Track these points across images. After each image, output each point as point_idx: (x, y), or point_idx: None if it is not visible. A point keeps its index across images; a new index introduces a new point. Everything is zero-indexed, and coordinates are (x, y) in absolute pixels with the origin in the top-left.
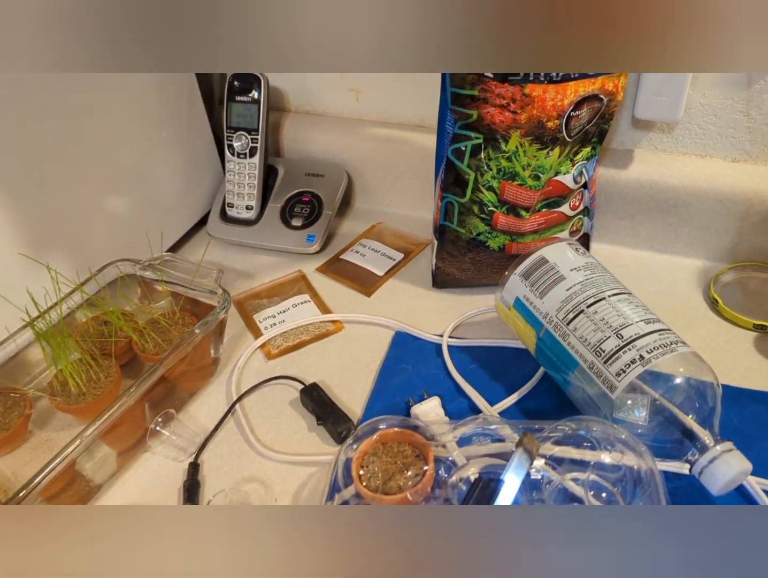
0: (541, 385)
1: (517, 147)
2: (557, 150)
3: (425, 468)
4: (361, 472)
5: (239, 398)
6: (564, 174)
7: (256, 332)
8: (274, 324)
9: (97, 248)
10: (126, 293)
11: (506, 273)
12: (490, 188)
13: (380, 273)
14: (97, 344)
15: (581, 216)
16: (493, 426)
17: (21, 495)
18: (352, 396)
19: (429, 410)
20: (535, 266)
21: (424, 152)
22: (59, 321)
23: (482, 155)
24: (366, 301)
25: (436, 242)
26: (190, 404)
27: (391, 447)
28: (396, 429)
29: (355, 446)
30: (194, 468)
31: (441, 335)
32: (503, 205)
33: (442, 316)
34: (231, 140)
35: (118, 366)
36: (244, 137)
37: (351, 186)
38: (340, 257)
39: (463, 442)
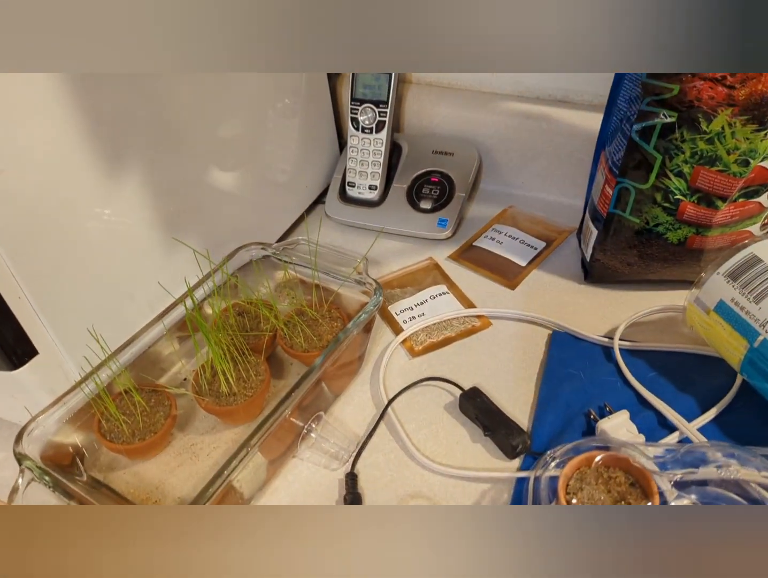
0: (739, 399)
1: (723, 128)
2: None
3: (649, 500)
4: (573, 501)
5: (391, 401)
6: None
7: (394, 326)
8: (413, 317)
9: (211, 231)
10: (257, 281)
11: (703, 274)
12: (680, 174)
13: (523, 263)
14: (244, 339)
15: None
16: (703, 452)
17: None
18: (515, 403)
19: (618, 425)
20: (746, 265)
21: (569, 130)
22: (214, 308)
23: (675, 135)
24: (510, 294)
25: (594, 231)
26: (334, 405)
27: (599, 472)
28: (604, 452)
29: (554, 467)
30: (352, 478)
31: (608, 337)
32: (694, 193)
33: (601, 314)
34: (356, 114)
35: (267, 363)
36: (370, 110)
37: (479, 166)
38: (474, 243)
39: (665, 466)
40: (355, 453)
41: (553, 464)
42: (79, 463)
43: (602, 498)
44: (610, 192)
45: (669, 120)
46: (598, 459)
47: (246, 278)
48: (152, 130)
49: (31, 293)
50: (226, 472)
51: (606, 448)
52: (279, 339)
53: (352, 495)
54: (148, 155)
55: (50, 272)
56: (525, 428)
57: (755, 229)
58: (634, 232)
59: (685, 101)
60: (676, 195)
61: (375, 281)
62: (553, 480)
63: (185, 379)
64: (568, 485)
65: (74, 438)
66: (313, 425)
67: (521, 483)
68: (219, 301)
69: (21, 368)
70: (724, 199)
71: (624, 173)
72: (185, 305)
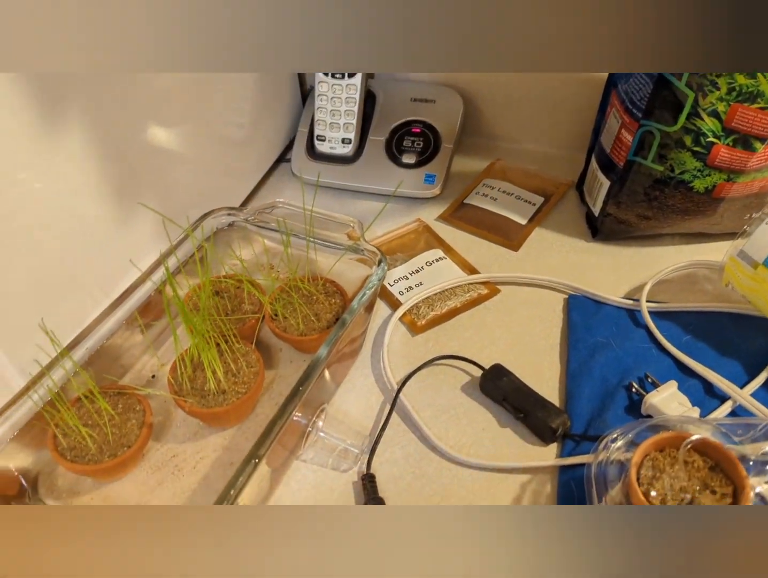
0: None
1: None
2: None
3: (735, 485)
4: (653, 493)
5: (401, 386)
6: None
7: (390, 298)
8: (410, 288)
9: (165, 197)
10: (226, 253)
11: (747, 226)
12: (714, 113)
13: (523, 222)
14: (228, 322)
15: None
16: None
17: None
18: (540, 379)
19: (668, 399)
20: None
21: (558, 73)
22: (203, 291)
23: None
24: (514, 256)
25: (606, 182)
26: (335, 395)
27: (673, 456)
28: (675, 433)
29: (616, 452)
30: (371, 480)
31: (631, 299)
32: (729, 134)
33: (617, 274)
34: None
35: (257, 351)
36: None
37: (464, 114)
38: (465, 201)
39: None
40: (369, 450)
41: (614, 448)
42: (30, 491)
43: (685, 486)
44: (630, 138)
45: None
46: (687, 442)
47: (214, 250)
48: (90, 85)
49: None
50: (232, 492)
51: (666, 428)
52: (268, 321)
53: (374, 500)
54: (88, 113)
55: None
56: (557, 404)
57: None
58: (654, 181)
59: None
60: (709, 137)
61: (378, 249)
62: (618, 467)
63: (153, 376)
64: (638, 473)
65: (22, 459)
66: (318, 422)
67: (566, 472)
68: (189, 278)
69: None
70: (763, 140)
71: (649, 114)
72: (162, 289)
